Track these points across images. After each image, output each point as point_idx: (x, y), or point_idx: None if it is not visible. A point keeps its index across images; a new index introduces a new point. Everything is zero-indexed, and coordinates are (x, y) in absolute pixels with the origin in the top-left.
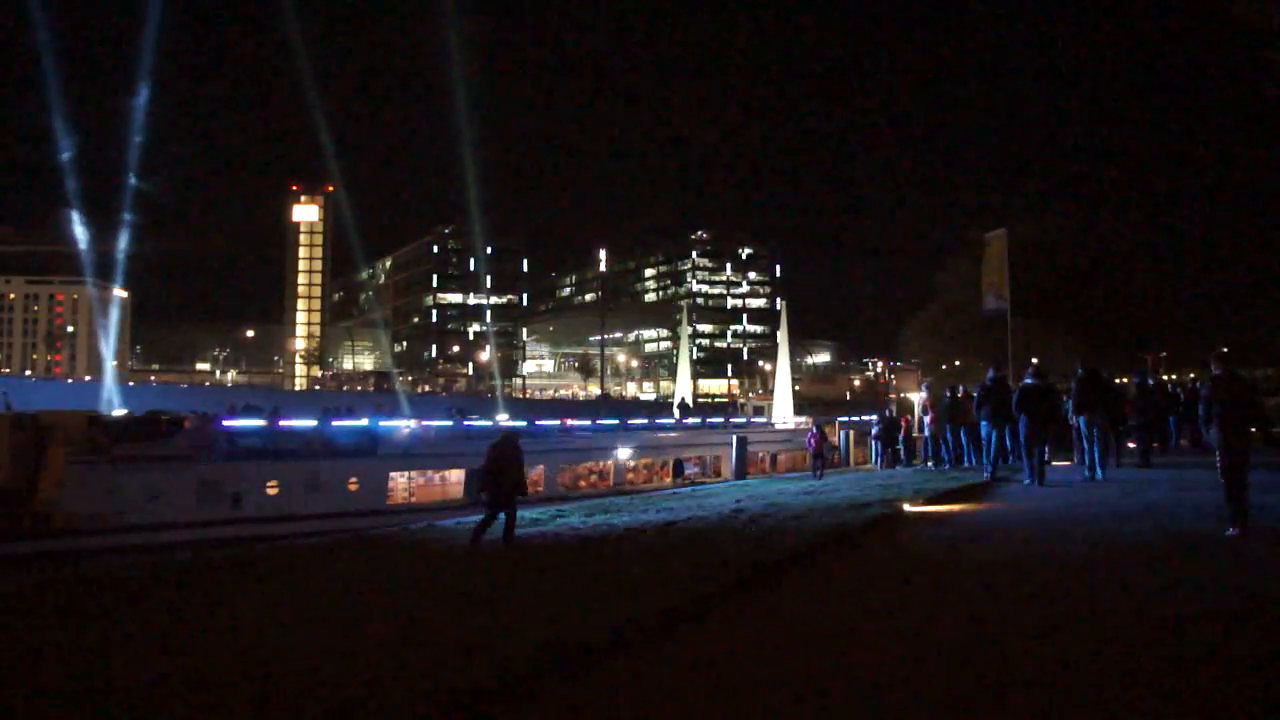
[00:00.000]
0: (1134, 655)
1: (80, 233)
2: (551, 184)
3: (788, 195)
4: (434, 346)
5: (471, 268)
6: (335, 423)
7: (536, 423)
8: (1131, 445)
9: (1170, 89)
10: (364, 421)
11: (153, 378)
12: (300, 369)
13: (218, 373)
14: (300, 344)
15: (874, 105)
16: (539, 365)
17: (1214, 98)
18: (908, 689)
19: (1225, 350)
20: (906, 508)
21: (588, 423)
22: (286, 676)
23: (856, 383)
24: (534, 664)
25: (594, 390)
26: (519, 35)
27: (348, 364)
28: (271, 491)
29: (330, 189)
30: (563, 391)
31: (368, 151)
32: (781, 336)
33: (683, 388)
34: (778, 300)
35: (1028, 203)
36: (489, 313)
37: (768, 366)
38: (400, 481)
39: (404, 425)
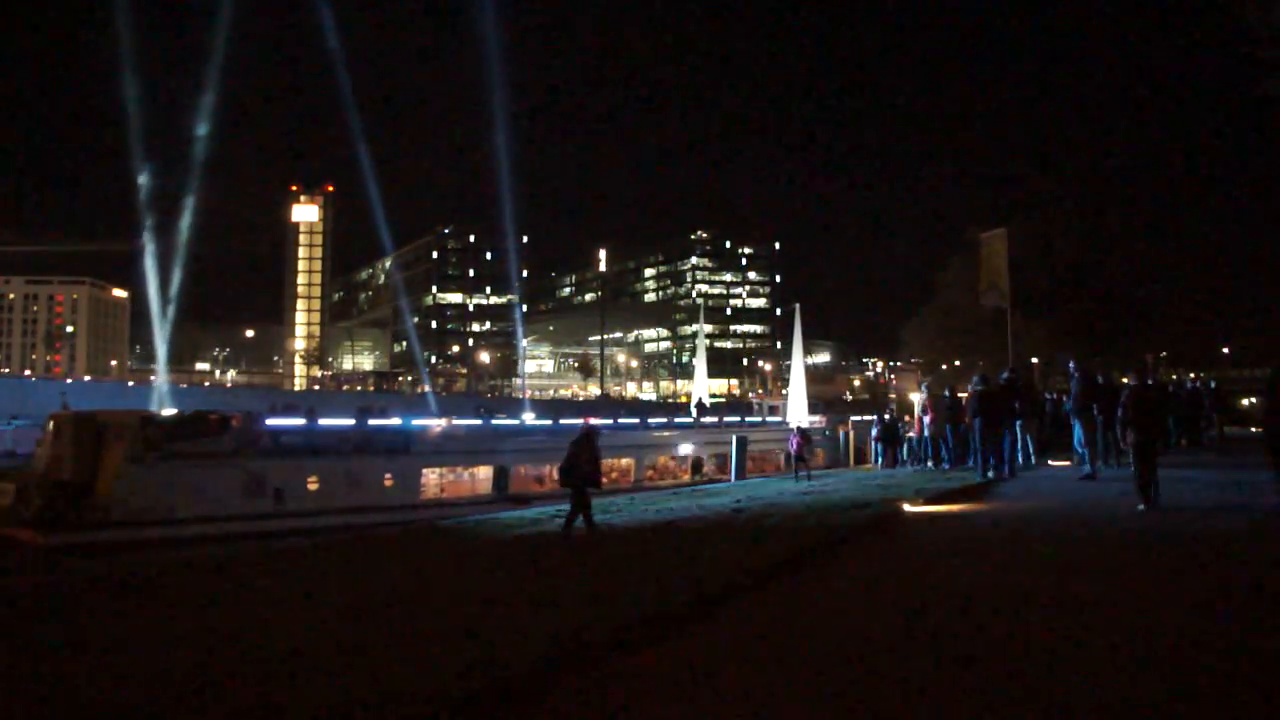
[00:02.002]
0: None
1: (145, 184)
2: (552, 184)
3: (788, 195)
4: (433, 350)
5: (471, 272)
6: (372, 421)
7: (560, 422)
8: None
9: (1171, 89)
10: (397, 420)
11: (152, 378)
12: (300, 369)
13: (217, 373)
14: (300, 344)
15: (874, 105)
16: (539, 365)
17: (1213, 97)
18: (894, 682)
19: (1141, 366)
20: (906, 508)
21: (609, 421)
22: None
23: (856, 383)
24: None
25: (594, 390)
26: (519, 36)
27: (347, 364)
28: (312, 487)
29: (330, 189)
30: (562, 391)
31: (368, 151)
32: (796, 337)
33: (700, 388)
34: (778, 301)
35: (1028, 203)
36: (518, 312)
37: (767, 366)
38: (432, 478)
39: (436, 424)
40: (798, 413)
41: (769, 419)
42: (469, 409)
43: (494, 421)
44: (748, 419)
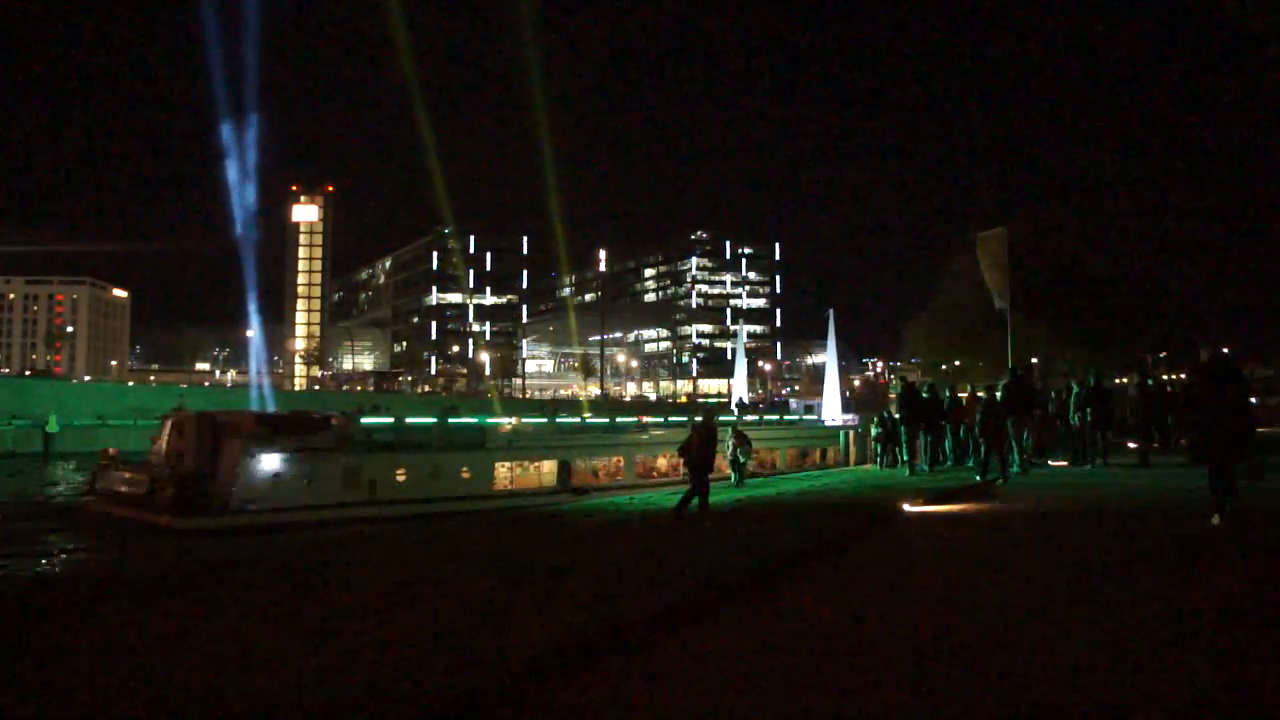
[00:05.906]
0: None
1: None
2: (552, 184)
3: (787, 195)
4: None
5: (472, 272)
6: (452, 420)
7: (617, 420)
8: (1131, 445)
9: (1172, 89)
10: (474, 420)
11: (152, 378)
12: (300, 369)
13: (217, 373)
14: (300, 344)
15: (875, 105)
16: (539, 365)
17: (1214, 98)
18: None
19: (1018, 371)
20: (906, 507)
21: (661, 419)
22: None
23: (856, 383)
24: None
25: (594, 390)
26: (518, 36)
27: (347, 364)
28: (400, 478)
29: (330, 189)
30: (563, 392)
31: (370, 150)
32: (830, 340)
33: (739, 387)
34: (778, 301)
35: (1029, 202)
36: (570, 312)
37: (767, 367)
38: (503, 471)
39: (506, 422)
40: (832, 411)
41: (805, 417)
42: (531, 409)
43: (558, 419)
44: (785, 418)
